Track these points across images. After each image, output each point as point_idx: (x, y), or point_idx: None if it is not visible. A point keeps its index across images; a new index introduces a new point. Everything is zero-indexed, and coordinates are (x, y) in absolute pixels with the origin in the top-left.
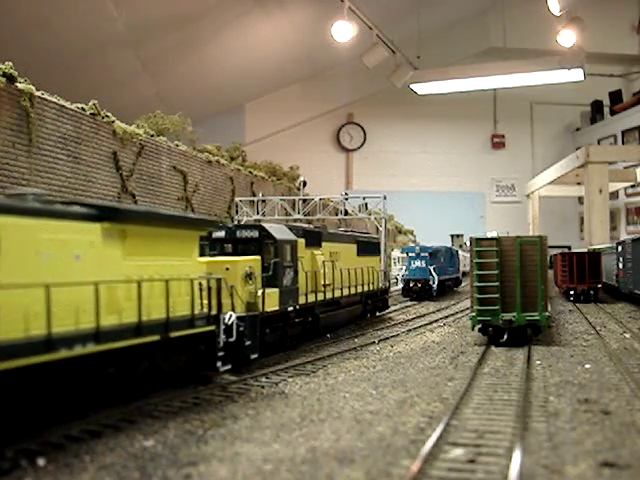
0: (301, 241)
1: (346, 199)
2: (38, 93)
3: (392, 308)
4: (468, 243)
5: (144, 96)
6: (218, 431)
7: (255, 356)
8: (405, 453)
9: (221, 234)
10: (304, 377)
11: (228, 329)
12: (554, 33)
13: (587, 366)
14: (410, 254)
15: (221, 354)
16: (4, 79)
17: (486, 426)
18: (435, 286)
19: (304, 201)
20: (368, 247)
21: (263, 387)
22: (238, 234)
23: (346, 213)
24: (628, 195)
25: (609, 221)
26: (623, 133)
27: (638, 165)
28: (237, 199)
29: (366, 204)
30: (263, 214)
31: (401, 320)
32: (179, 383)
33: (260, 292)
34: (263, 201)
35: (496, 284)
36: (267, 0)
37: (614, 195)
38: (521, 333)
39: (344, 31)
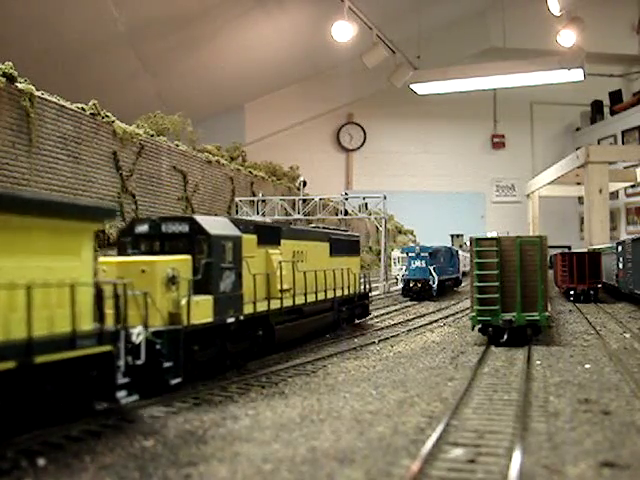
0: (250, 238)
1: (346, 199)
2: (38, 93)
3: (392, 308)
4: (468, 243)
5: (144, 96)
6: (218, 431)
7: (177, 381)
8: (405, 453)
9: (144, 229)
10: (304, 377)
11: (135, 349)
12: (554, 33)
13: (587, 366)
14: (410, 254)
15: (124, 381)
16: (4, 79)
17: (486, 426)
18: (435, 286)
19: (304, 201)
20: (344, 246)
21: (263, 387)
22: (164, 228)
23: (346, 213)
24: (628, 195)
25: (609, 221)
26: (623, 133)
27: (638, 165)
28: (237, 199)
29: (366, 204)
30: (263, 214)
31: (401, 320)
32: (62, 418)
33: (185, 300)
34: (263, 201)
35: (496, 284)
36: (267, 0)
37: (614, 195)
38: (521, 333)
39: (344, 31)
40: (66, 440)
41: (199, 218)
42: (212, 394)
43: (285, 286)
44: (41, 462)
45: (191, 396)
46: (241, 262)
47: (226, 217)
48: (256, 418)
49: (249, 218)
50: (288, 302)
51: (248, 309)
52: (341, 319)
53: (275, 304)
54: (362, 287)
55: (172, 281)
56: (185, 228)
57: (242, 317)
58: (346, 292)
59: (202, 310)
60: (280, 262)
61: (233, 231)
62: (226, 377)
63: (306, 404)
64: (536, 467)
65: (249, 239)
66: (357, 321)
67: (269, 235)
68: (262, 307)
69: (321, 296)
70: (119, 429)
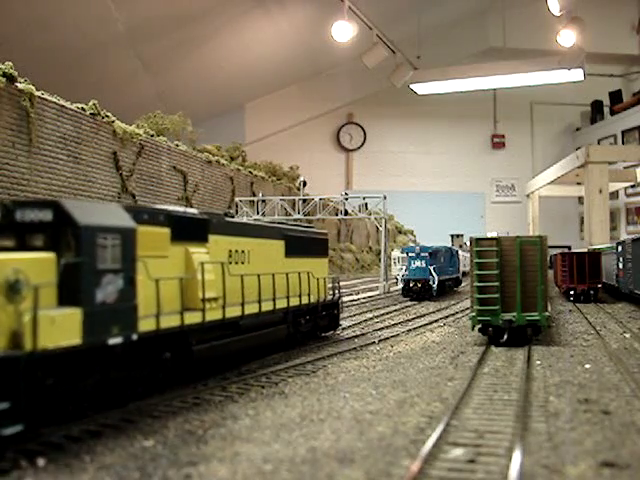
0: (157, 231)
1: (346, 199)
2: (38, 93)
3: (392, 308)
4: (468, 243)
5: (144, 96)
6: (218, 431)
7: (15, 430)
8: (405, 453)
9: None
10: (304, 377)
11: None
12: (554, 33)
13: (587, 366)
14: (410, 254)
15: None
16: (4, 79)
17: (486, 426)
18: (435, 286)
19: (304, 201)
20: (306, 245)
21: (263, 387)
22: (19, 217)
23: (346, 213)
24: (628, 195)
25: (609, 221)
26: (623, 133)
27: (638, 165)
28: (237, 199)
29: (366, 204)
30: (263, 214)
31: (401, 320)
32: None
33: (29, 316)
34: (263, 201)
35: (496, 284)
36: (267, 0)
37: (614, 195)
38: (521, 333)
39: (344, 31)
40: (66, 440)
41: (68, 203)
42: (212, 394)
43: (211, 294)
44: (41, 462)
45: (191, 396)
46: (135, 263)
47: (121, 203)
48: (256, 418)
49: (158, 206)
50: (215, 315)
51: (147, 325)
52: (299, 333)
53: (194, 318)
54: (330, 294)
55: (14, 289)
56: (47, 216)
57: (136, 336)
58: (306, 301)
59: (62, 328)
60: (203, 263)
61: (122, 221)
62: (226, 377)
63: (306, 404)
64: (536, 467)
65: (154, 233)
66: (323, 334)
67: (190, 229)
68: (171, 322)
69: (268, 306)
70: (119, 429)
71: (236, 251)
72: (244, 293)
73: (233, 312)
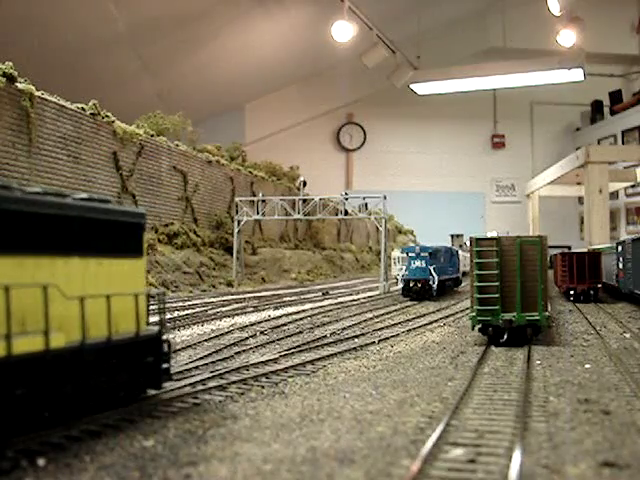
0: None
1: (346, 199)
2: (38, 93)
3: (392, 308)
4: (468, 243)
5: (144, 96)
6: (218, 431)
7: None
8: (405, 453)
9: None
10: (304, 377)
11: None
12: (554, 33)
13: (587, 366)
14: (410, 254)
15: None
16: (4, 79)
17: (486, 426)
18: (435, 286)
19: (304, 201)
20: (67, 233)
21: (263, 387)
22: None
23: (346, 213)
24: (628, 195)
25: (609, 221)
26: (623, 133)
27: (638, 165)
28: (237, 199)
29: (366, 204)
30: (263, 214)
31: (401, 320)
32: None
33: None
34: (263, 201)
35: (496, 284)
36: (267, 0)
37: (614, 195)
38: (521, 333)
39: (344, 31)
40: (66, 440)
41: None
42: (212, 394)
43: None
44: (41, 462)
45: (191, 396)
46: None
47: None
48: (256, 418)
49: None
50: None
51: None
52: (13, 411)
53: None
54: (147, 322)
55: None
56: None
57: None
58: (38, 344)
59: None
60: None
61: None
62: (225, 377)
63: (306, 404)
64: (536, 467)
65: None
66: (138, 397)
67: None
68: None
69: None
70: (119, 429)
71: None
72: None
73: None
